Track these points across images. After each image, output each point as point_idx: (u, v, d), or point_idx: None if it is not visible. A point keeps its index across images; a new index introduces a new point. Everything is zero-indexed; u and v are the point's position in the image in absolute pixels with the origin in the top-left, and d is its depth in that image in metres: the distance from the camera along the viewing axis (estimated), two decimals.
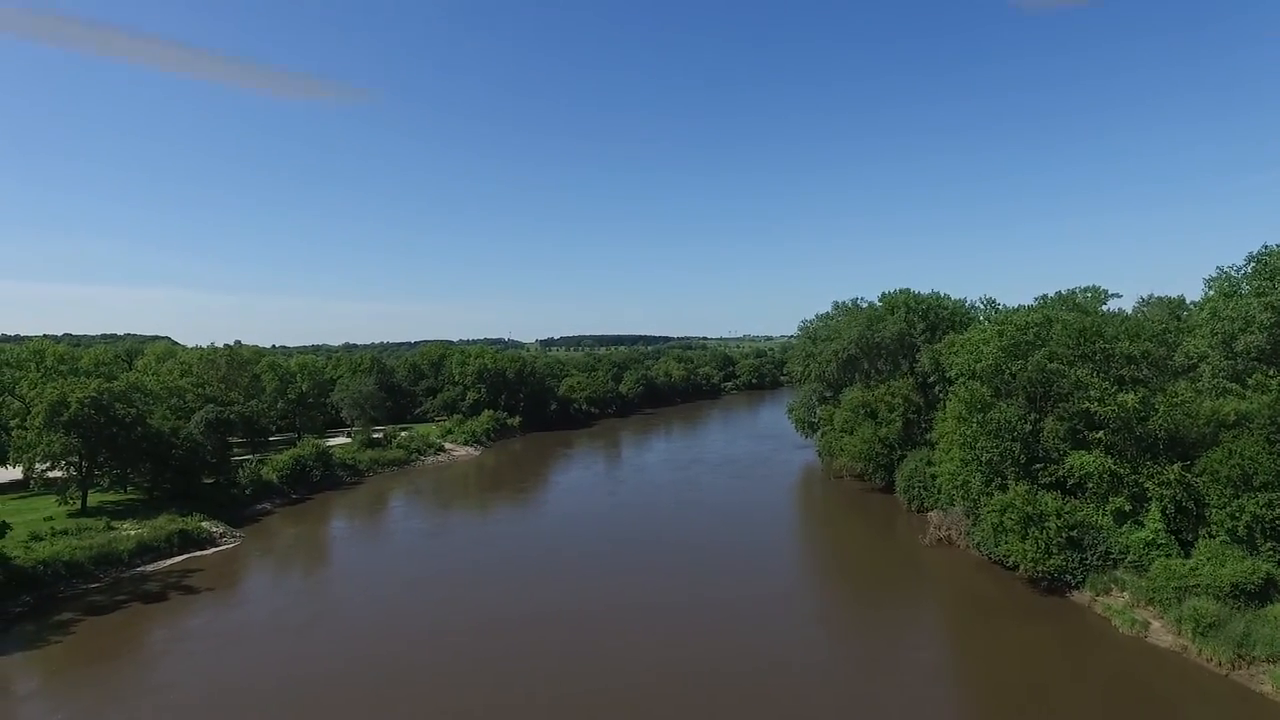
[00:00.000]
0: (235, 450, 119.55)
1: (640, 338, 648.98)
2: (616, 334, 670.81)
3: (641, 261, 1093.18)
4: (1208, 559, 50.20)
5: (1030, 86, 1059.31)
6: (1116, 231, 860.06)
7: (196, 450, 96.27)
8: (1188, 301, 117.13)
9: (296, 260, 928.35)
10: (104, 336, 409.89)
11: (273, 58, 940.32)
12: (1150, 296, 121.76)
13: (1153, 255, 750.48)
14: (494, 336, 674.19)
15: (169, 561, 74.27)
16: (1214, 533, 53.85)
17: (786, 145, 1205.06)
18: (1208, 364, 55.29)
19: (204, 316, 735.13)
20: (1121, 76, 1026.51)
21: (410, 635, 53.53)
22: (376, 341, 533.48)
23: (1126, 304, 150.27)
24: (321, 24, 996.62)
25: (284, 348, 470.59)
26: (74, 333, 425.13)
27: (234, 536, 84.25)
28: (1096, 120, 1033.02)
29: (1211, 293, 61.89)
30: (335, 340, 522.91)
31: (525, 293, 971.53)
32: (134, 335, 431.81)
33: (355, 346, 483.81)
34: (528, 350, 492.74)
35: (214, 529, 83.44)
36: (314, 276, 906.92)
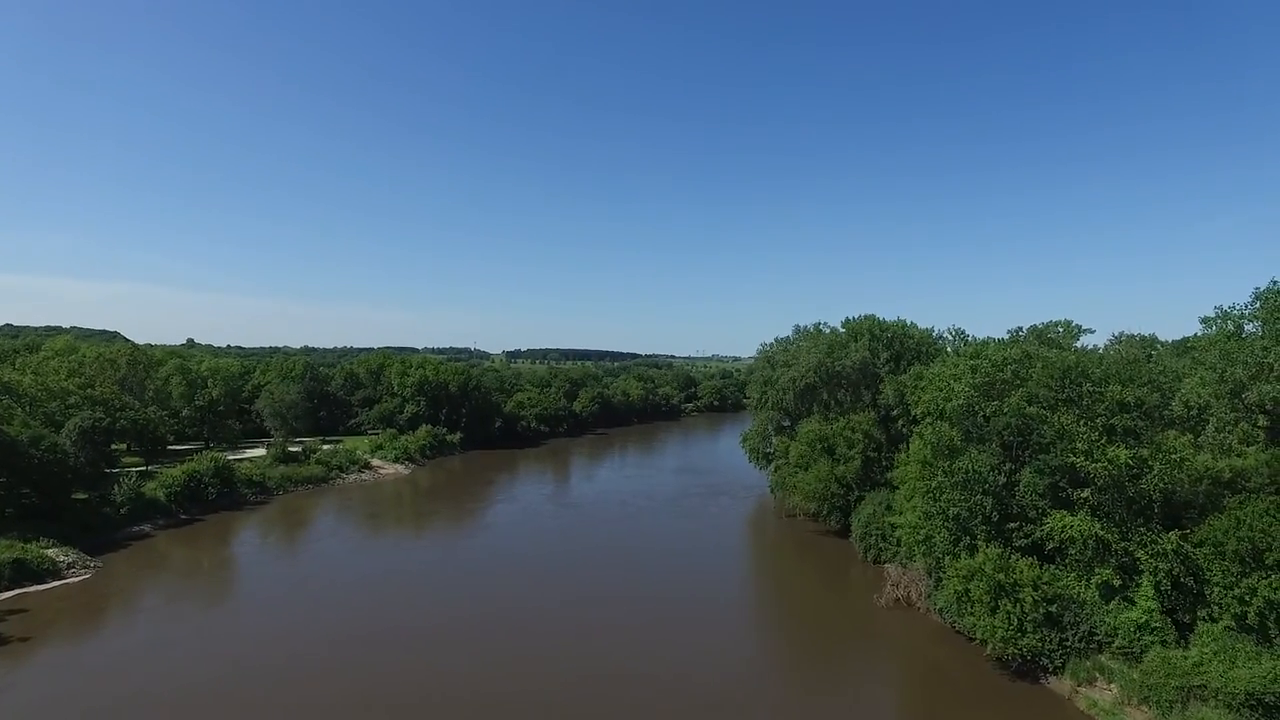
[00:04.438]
0: (129, 463, 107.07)
1: (607, 353, 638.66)
2: (583, 348, 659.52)
3: (613, 278, 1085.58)
4: (1214, 653, 41.67)
5: (1007, 117, 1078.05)
6: (1083, 267, 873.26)
7: (63, 462, 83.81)
8: (1159, 340, 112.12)
9: (261, 261, 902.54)
10: (47, 329, 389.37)
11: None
12: (1121, 334, 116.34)
13: (1118, 293, 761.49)
14: (460, 346, 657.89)
15: None
16: (1216, 615, 45.58)
17: (770, 161, 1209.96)
18: (1212, 415, 47.23)
19: (163, 314, 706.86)
20: (1098, 118, 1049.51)
21: None
22: (340, 346, 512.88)
23: (1098, 340, 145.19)
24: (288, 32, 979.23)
25: (239, 348, 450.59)
26: (15, 323, 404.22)
27: (87, 567, 72.17)
28: (1069, 151, 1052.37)
29: (1212, 332, 54.02)
30: (296, 343, 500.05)
31: (495, 303, 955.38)
32: (79, 329, 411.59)
33: (314, 350, 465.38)
34: (493, 361, 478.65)
35: (61, 557, 71.31)
36: (280, 278, 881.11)
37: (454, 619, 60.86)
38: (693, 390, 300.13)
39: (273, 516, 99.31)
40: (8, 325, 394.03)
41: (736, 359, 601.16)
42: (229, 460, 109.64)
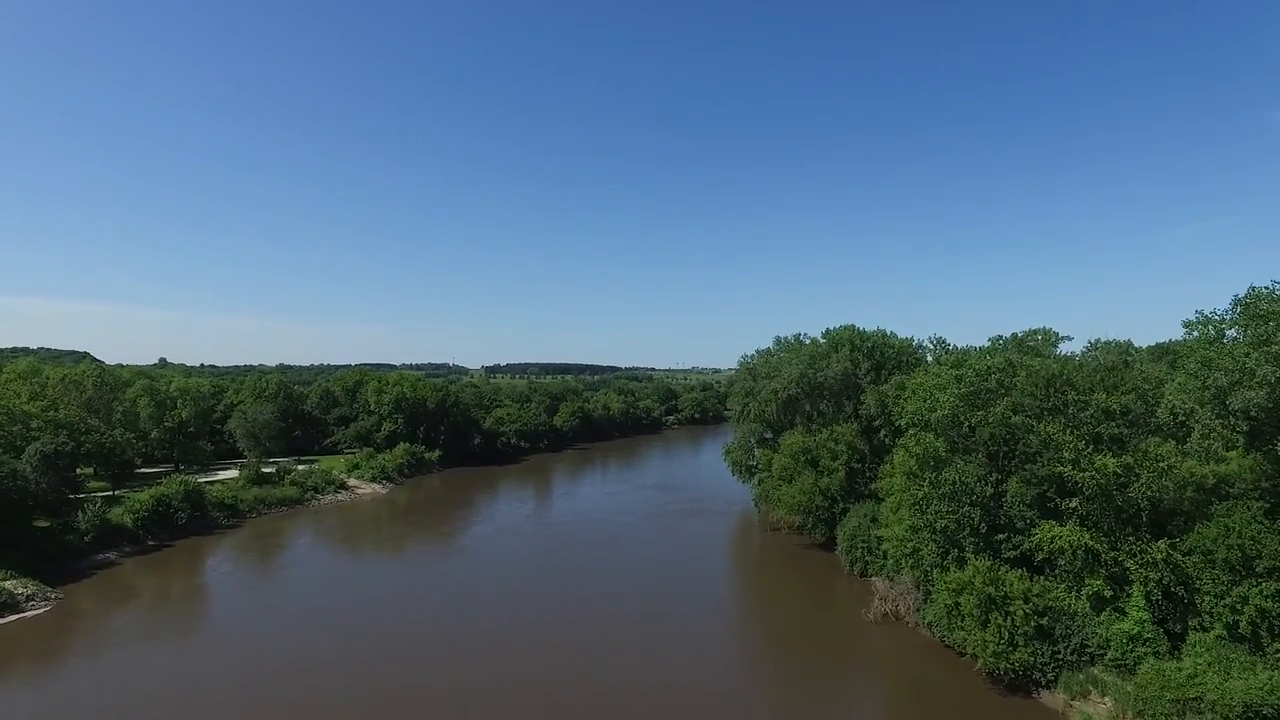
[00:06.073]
0: (95, 487, 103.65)
1: (588, 367, 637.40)
2: (564, 362, 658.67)
3: (592, 291, 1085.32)
4: (1208, 664, 41.05)
5: (979, 128, 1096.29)
6: (1053, 278, 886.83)
7: (23, 489, 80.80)
8: (1135, 345, 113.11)
9: (235, 279, 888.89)
10: (14, 350, 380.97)
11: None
12: (1099, 340, 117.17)
13: (1088, 300, 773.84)
14: (439, 362, 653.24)
15: None
16: (1207, 625, 45.11)
17: (747, 175, 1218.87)
18: (1197, 422, 46.92)
19: (134, 334, 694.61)
20: (1074, 130, 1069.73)
21: None
22: (316, 363, 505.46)
23: (1075, 347, 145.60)
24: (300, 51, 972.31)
25: (213, 367, 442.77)
26: None
27: (47, 599, 69.29)
28: (1031, 164, 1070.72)
29: (1194, 336, 53.79)
30: (271, 361, 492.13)
31: (474, 319, 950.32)
32: (48, 350, 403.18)
33: (290, 368, 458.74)
34: (472, 377, 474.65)
35: (20, 589, 68.34)
36: (255, 295, 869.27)
37: (429, 644, 58.91)
38: (673, 403, 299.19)
39: (245, 541, 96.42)
40: None
41: (717, 370, 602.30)
42: (200, 483, 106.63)
